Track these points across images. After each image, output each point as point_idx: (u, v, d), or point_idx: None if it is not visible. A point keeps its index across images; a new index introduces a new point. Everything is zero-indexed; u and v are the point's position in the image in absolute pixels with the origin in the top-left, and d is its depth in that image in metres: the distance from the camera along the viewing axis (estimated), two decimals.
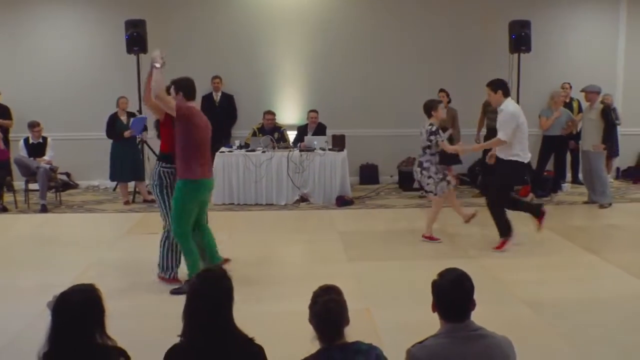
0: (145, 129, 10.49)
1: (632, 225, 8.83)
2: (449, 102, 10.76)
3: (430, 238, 7.83)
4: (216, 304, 2.90)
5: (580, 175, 11.00)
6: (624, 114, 12.26)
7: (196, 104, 6.31)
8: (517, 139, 7.26)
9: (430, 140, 7.55)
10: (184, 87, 6.10)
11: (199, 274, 3.05)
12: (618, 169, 12.80)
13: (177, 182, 5.95)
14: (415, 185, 8.95)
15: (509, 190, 7.80)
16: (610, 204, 9.95)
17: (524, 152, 7.35)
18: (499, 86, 7.39)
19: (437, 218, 7.90)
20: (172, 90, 6.14)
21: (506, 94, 7.39)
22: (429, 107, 7.72)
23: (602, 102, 10.06)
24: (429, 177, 7.68)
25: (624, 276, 6.41)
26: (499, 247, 7.34)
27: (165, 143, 6.21)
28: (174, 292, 5.86)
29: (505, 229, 7.36)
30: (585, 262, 6.99)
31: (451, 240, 7.92)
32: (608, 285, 6.22)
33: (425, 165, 7.68)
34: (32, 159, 10.06)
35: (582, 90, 10.47)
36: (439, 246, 7.59)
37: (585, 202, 10.26)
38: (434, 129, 7.55)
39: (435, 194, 7.73)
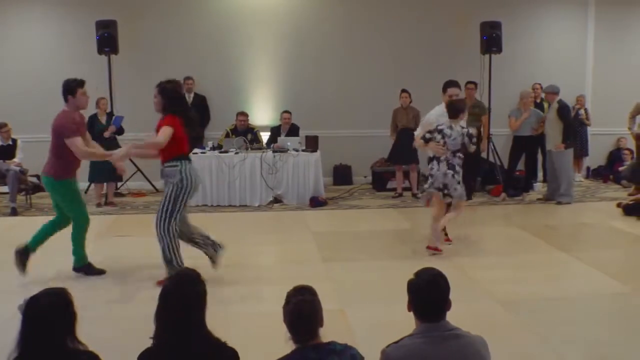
0: (120, 129, 10.45)
1: (602, 224, 8.90)
2: (411, 101, 10.84)
3: (447, 240, 7.50)
4: (188, 306, 2.87)
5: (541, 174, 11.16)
6: (594, 115, 12.47)
7: None
8: None
9: (474, 143, 7.05)
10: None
11: (172, 276, 3.01)
12: (588, 168, 12.95)
13: None
14: (428, 187, 7.25)
15: None
16: (569, 203, 10.13)
17: None
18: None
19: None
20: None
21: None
22: (460, 109, 7.08)
23: (558, 101, 10.16)
24: (459, 182, 7.01)
25: (595, 274, 6.44)
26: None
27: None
28: None
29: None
30: (558, 260, 7.03)
31: (427, 240, 7.93)
32: (580, 283, 6.27)
33: (458, 169, 6.97)
34: (1, 161, 9.91)
35: (543, 91, 10.59)
36: (414, 246, 7.58)
37: (540, 199, 10.37)
38: (472, 131, 7.09)
39: (463, 199, 7.18)
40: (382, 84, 11.93)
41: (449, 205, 7.16)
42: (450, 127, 6.89)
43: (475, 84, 10.80)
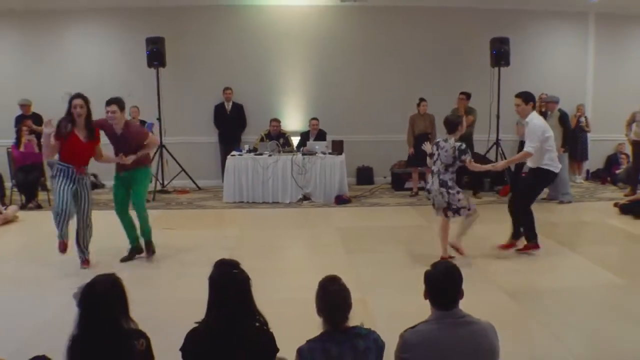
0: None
1: (600, 222, 8.80)
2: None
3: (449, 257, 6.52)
4: (230, 289, 2.89)
5: None
6: (593, 122, 12.32)
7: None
8: (546, 149, 6.57)
9: (462, 160, 6.33)
10: None
11: (216, 264, 3.02)
12: (588, 171, 12.80)
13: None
14: (434, 204, 6.68)
15: (533, 197, 6.92)
16: (570, 202, 10.08)
17: (553, 162, 6.64)
18: (531, 98, 6.67)
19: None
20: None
21: (534, 107, 6.77)
22: (455, 123, 6.47)
23: (558, 110, 10.13)
24: (458, 192, 6.45)
25: (593, 268, 6.38)
26: (523, 249, 6.83)
27: None
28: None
29: (533, 235, 6.77)
30: (559, 254, 6.96)
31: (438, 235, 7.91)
32: (579, 275, 6.20)
33: (450, 184, 6.41)
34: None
35: (543, 101, 10.52)
36: (429, 240, 7.53)
37: (544, 199, 10.29)
38: (463, 146, 6.36)
39: (469, 209, 6.53)
40: (400, 94, 11.90)
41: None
42: (445, 140, 6.42)
43: (466, 94, 10.73)
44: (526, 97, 6.64)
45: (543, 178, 6.82)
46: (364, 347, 2.84)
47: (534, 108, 6.71)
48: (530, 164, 6.84)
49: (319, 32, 12.17)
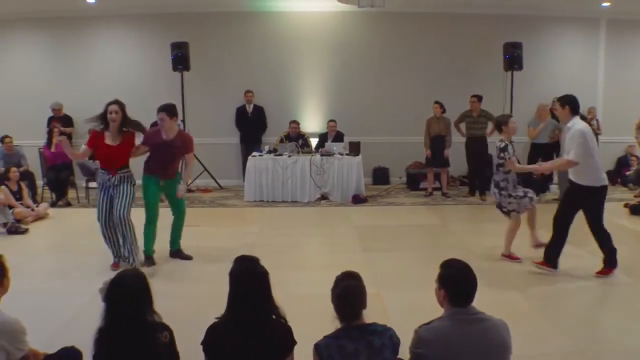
0: None
1: (610, 222, 8.52)
2: (443, 112, 10.73)
3: (510, 257, 6.51)
4: (250, 284, 2.89)
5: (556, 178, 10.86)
6: (604, 125, 12.18)
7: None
8: (588, 162, 5.76)
9: (502, 158, 6.24)
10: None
11: (236, 262, 3.02)
12: None
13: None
14: (495, 203, 6.66)
15: (600, 213, 5.99)
16: None
17: (596, 175, 5.85)
18: (568, 102, 5.88)
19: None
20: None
21: (575, 111, 5.88)
22: (500, 122, 6.39)
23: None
24: (509, 195, 6.34)
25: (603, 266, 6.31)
26: (601, 272, 5.94)
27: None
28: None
29: (613, 259, 5.91)
30: (571, 253, 6.87)
31: (453, 234, 7.88)
32: (589, 273, 6.13)
33: (502, 184, 6.33)
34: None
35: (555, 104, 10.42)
36: (443, 238, 7.51)
37: (555, 200, 10.19)
38: (502, 145, 6.23)
39: (518, 212, 6.39)
40: (416, 97, 11.86)
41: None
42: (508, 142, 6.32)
43: (478, 97, 10.63)
44: (562, 101, 5.91)
45: (602, 195, 5.93)
46: (379, 343, 2.82)
47: (575, 113, 5.87)
48: (582, 181, 5.86)
49: (336, 37, 12.16)
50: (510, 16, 12.03)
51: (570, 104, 5.86)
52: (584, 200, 5.90)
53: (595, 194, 5.86)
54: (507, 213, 6.48)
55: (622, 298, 5.38)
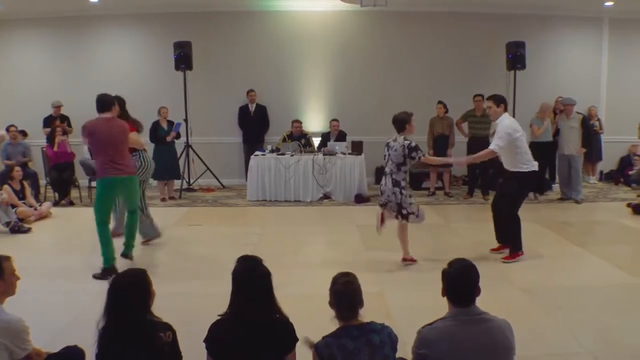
0: (179, 135, 10.65)
1: (613, 221, 8.69)
2: (446, 112, 10.77)
3: (411, 260, 6.38)
4: (256, 285, 2.90)
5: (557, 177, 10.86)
6: (607, 124, 12.18)
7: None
8: (516, 151, 6.25)
9: (412, 157, 6.06)
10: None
11: (239, 261, 3.02)
12: (601, 172, 12.65)
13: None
14: (381, 202, 6.50)
15: (519, 201, 6.46)
16: (582, 200, 10.03)
17: (530, 162, 6.30)
18: (502, 101, 6.39)
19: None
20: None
21: (505, 109, 6.40)
22: (403, 121, 6.15)
23: (577, 112, 10.11)
24: (410, 195, 6.22)
25: (606, 266, 6.30)
26: (508, 258, 6.41)
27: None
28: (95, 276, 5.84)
29: (519, 244, 6.41)
30: (573, 253, 6.89)
31: (456, 234, 7.87)
32: (592, 273, 6.13)
33: (403, 184, 6.15)
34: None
35: (561, 103, 10.44)
36: (446, 238, 7.50)
37: (560, 199, 10.19)
38: (413, 144, 6.05)
39: (417, 216, 6.22)
40: (418, 96, 11.80)
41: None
42: (395, 140, 6.19)
43: (482, 96, 10.57)
44: (497, 100, 6.37)
45: (527, 180, 6.42)
46: (378, 341, 2.85)
47: (505, 110, 6.38)
48: (508, 167, 6.40)
49: (339, 36, 12.16)
50: (513, 15, 12.02)
51: (504, 102, 6.43)
52: (520, 185, 6.39)
53: (523, 178, 6.33)
54: (405, 216, 6.19)
55: (626, 298, 5.36)
